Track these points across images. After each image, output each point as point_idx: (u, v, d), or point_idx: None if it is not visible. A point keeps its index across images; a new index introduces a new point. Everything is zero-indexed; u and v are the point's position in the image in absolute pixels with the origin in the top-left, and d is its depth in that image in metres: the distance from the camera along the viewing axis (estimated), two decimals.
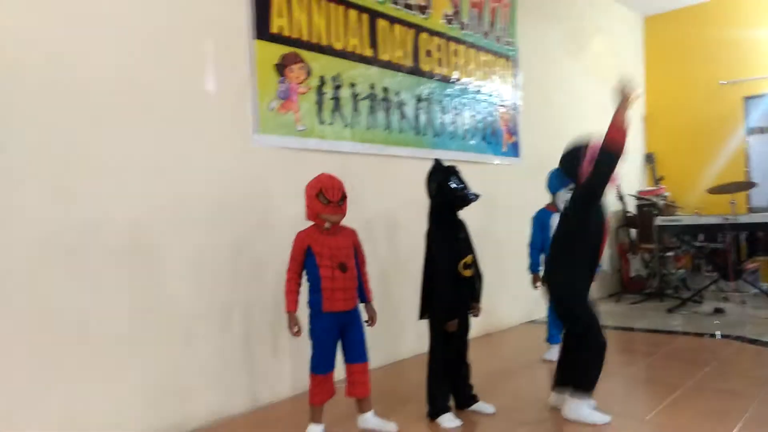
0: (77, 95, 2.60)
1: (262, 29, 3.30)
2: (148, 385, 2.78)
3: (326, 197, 2.60)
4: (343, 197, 2.64)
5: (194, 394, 2.96)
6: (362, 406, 2.75)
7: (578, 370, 2.80)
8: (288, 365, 3.39)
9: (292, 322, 2.63)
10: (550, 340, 3.96)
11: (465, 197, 2.91)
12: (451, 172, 2.93)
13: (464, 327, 2.95)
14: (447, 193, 2.89)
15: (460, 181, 2.94)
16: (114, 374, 2.67)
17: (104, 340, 2.63)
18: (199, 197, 3.02)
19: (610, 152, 2.63)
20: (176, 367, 2.90)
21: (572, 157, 2.84)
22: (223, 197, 3.13)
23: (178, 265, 2.93)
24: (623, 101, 2.63)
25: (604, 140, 2.63)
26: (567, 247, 2.85)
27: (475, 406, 2.98)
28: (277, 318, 3.32)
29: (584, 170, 2.76)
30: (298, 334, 2.64)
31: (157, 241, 2.86)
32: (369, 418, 2.75)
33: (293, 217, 3.23)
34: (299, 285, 2.67)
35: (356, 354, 2.72)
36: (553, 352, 3.93)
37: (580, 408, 2.78)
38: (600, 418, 2.76)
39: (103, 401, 2.62)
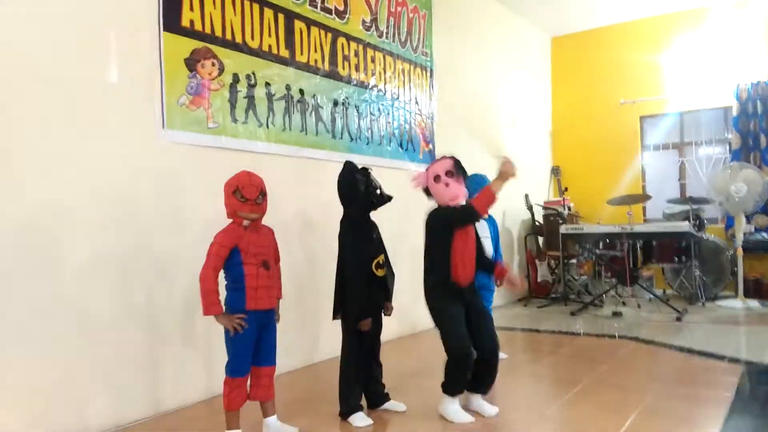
0: None
1: (172, 22, 3.20)
2: (38, 389, 2.59)
3: (243, 195, 2.51)
4: (262, 194, 2.57)
5: (90, 399, 2.79)
6: (266, 409, 2.68)
7: (444, 372, 2.86)
8: (199, 368, 3.27)
9: (230, 321, 2.46)
10: None
11: (378, 198, 2.93)
12: (364, 173, 2.95)
13: (377, 326, 2.95)
14: (360, 194, 2.90)
15: (373, 182, 2.96)
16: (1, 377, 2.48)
17: None
18: (100, 194, 2.86)
19: (473, 214, 2.81)
20: (72, 371, 2.72)
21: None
22: (127, 194, 2.98)
23: (79, 265, 2.76)
24: (503, 179, 2.76)
25: (475, 203, 2.80)
26: (427, 263, 2.93)
27: (386, 405, 3.00)
28: (186, 320, 3.20)
29: (431, 187, 2.88)
30: (243, 323, 2.48)
31: (56, 240, 2.68)
32: (271, 423, 2.67)
33: (205, 216, 3.14)
34: (218, 284, 2.50)
35: (267, 357, 2.64)
36: None
37: (447, 406, 2.85)
38: (462, 417, 2.81)
39: None
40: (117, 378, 2.90)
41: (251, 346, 2.55)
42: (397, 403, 3.01)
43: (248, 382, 2.61)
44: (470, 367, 2.82)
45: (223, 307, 2.50)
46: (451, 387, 2.85)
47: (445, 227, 2.85)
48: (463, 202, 2.87)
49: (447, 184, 2.82)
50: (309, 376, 3.80)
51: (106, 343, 2.86)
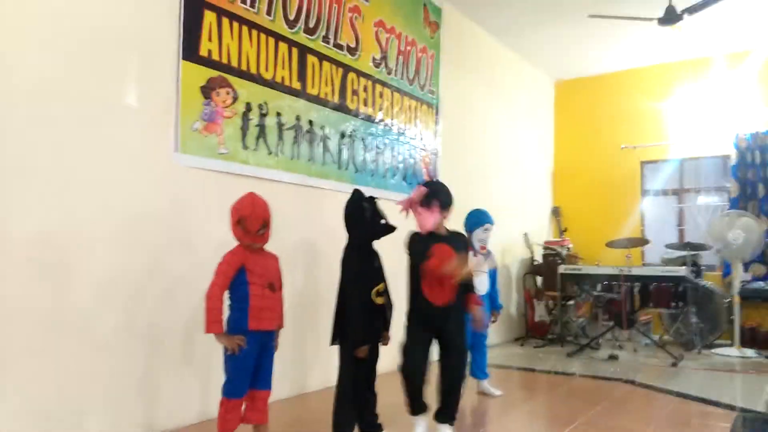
0: None
1: (191, 51, 3.32)
2: (37, 401, 2.62)
3: (246, 227, 2.57)
4: (265, 225, 2.61)
5: (86, 414, 2.81)
6: None
7: None
8: (196, 391, 3.29)
9: (230, 341, 2.50)
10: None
11: (383, 227, 3.00)
12: (371, 202, 3.03)
13: (373, 355, 2.98)
14: (365, 223, 2.97)
15: (379, 212, 3.04)
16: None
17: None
18: (114, 214, 2.95)
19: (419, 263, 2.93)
20: (71, 386, 2.75)
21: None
22: (139, 215, 3.06)
23: (88, 282, 2.82)
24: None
25: (429, 262, 2.89)
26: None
27: None
28: (188, 342, 3.23)
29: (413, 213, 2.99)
30: (243, 343, 2.52)
31: (68, 254, 2.75)
32: None
33: (213, 239, 3.20)
34: (223, 303, 2.56)
35: (264, 380, 2.68)
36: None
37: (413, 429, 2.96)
38: None
39: None
40: (113, 395, 2.92)
41: (250, 367, 2.58)
42: None
43: (243, 405, 2.63)
44: (418, 392, 2.93)
45: (225, 327, 2.55)
46: (407, 404, 2.97)
47: (418, 249, 2.98)
48: (432, 229, 2.96)
49: (419, 213, 2.97)
50: (301, 404, 3.80)
51: (107, 361, 2.90)
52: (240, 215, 2.57)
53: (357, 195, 3.03)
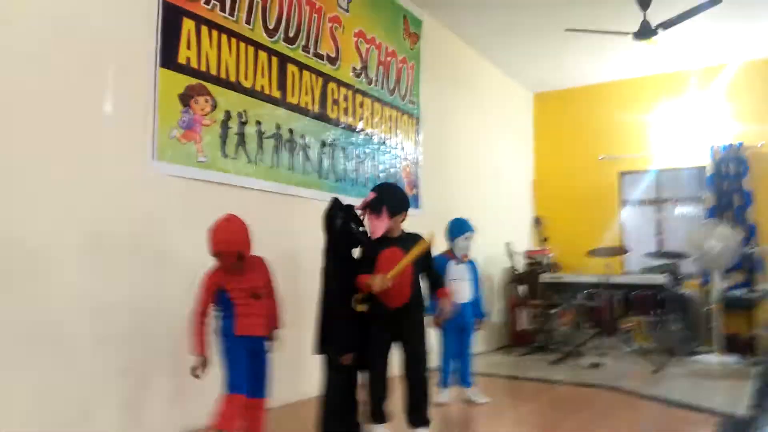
0: None
1: (169, 58, 3.29)
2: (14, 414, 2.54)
3: (219, 261, 2.59)
4: (240, 257, 2.57)
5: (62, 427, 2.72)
6: None
7: None
8: (175, 408, 3.20)
9: (201, 364, 2.55)
10: (442, 383, 4.05)
11: (360, 235, 2.99)
12: (349, 210, 3.01)
13: (356, 362, 2.94)
14: (343, 231, 2.95)
15: (358, 219, 3.03)
16: None
17: None
18: (88, 219, 2.89)
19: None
20: (44, 401, 2.66)
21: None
22: (115, 223, 3.00)
23: (63, 293, 2.75)
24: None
25: (359, 278, 2.91)
26: None
27: None
28: (168, 356, 3.16)
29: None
30: (205, 367, 2.56)
31: (41, 264, 2.68)
32: None
33: (191, 248, 3.14)
34: (206, 325, 2.58)
35: (259, 387, 2.67)
36: (445, 395, 4.02)
37: None
38: None
39: None
40: (87, 410, 2.83)
41: (245, 364, 2.58)
42: None
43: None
44: (377, 398, 2.93)
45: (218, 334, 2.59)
46: (371, 410, 2.94)
47: (366, 255, 2.99)
48: (381, 234, 2.97)
49: (369, 219, 3.00)
50: (285, 415, 3.73)
51: (83, 373, 2.81)
52: (214, 250, 2.56)
53: (333, 202, 3.01)
